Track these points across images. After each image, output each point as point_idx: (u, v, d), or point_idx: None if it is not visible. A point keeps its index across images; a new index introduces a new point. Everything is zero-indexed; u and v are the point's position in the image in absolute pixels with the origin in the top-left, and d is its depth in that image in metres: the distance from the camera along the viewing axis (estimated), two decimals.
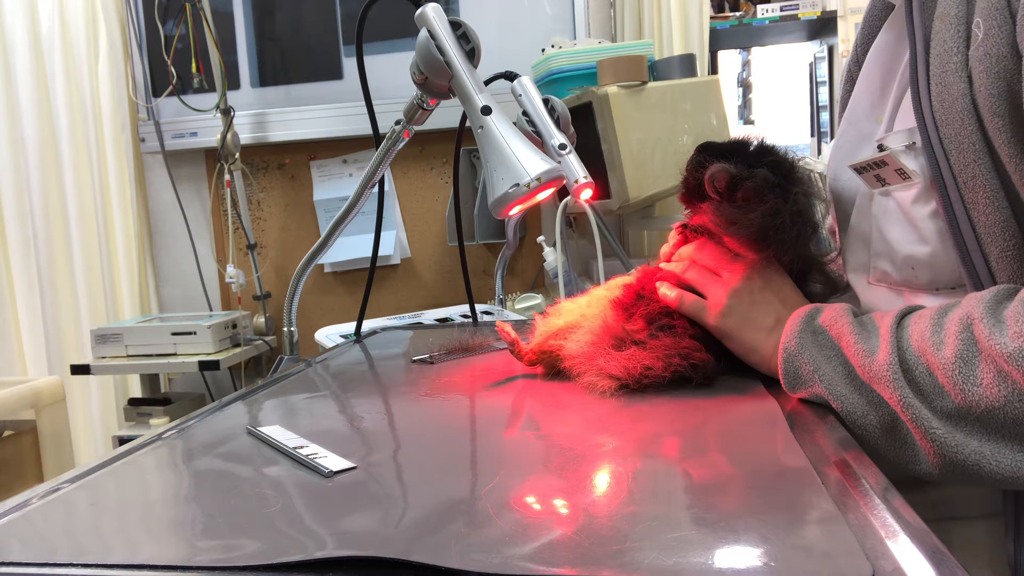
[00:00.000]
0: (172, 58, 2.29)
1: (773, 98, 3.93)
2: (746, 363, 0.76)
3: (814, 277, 0.81)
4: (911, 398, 0.60)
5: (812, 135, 3.23)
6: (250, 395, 0.84)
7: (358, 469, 0.56)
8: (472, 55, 0.83)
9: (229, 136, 2.21)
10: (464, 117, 0.93)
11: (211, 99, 2.26)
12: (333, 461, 0.57)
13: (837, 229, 0.86)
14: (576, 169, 1.06)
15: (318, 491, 0.52)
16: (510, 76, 1.13)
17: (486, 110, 0.80)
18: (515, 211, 0.79)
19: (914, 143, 0.69)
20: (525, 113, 1.11)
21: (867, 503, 0.46)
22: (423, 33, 0.83)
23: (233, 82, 2.30)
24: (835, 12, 2.53)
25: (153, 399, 2.22)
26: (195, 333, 2.08)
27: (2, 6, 2.29)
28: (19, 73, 2.30)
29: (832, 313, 0.68)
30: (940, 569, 0.38)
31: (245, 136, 2.27)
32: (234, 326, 2.21)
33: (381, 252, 1.64)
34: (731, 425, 0.64)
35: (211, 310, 2.42)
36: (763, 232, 0.73)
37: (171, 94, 2.31)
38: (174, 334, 2.09)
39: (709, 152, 0.79)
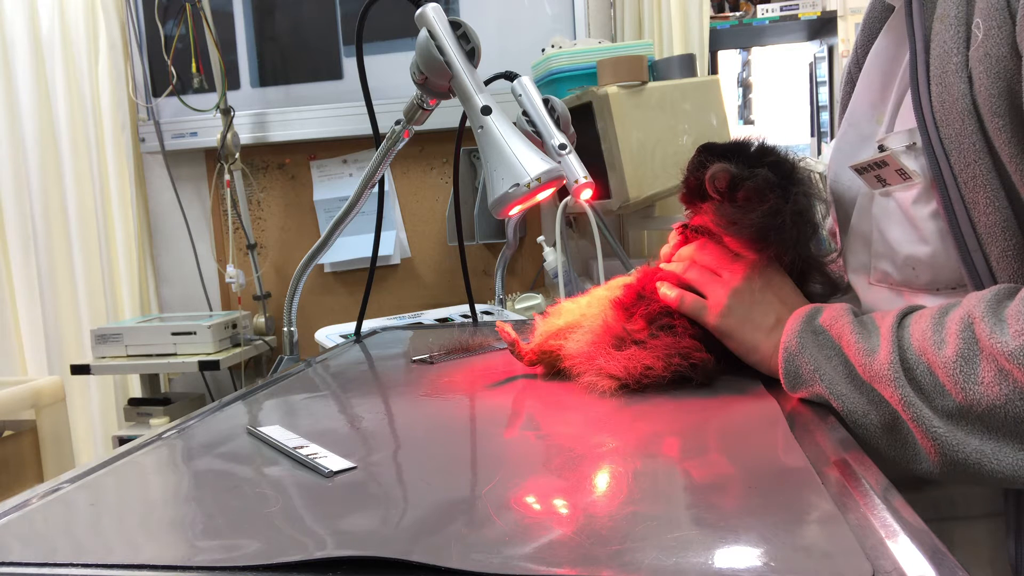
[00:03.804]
0: (172, 58, 2.29)
1: (773, 98, 3.93)
2: (746, 363, 0.76)
3: (814, 277, 0.81)
4: (912, 397, 0.60)
5: (812, 135, 3.23)
6: (250, 395, 0.84)
7: (358, 469, 0.56)
8: (472, 55, 0.83)
9: (229, 136, 2.21)
10: (464, 117, 0.93)
11: (211, 99, 2.26)
12: (333, 461, 0.57)
13: (837, 230, 0.86)
14: (576, 169, 1.06)
15: (318, 491, 0.52)
16: (510, 76, 1.13)
17: (486, 110, 0.80)
18: (515, 211, 0.79)
19: (914, 143, 0.69)
20: (525, 113, 1.11)
21: (867, 503, 0.46)
22: (423, 33, 0.83)
23: (233, 82, 2.30)
24: (835, 12, 2.53)
25: (153, 399, 2.22)
26: (195, 333, 2.08)
27: (2, 6, 2.29)
28: (19, 73, 2.30)
29: (832, 313, 0.68)
30: (940, 569, 0.38)
31: (245, 136, 2.27)
32: (234, 326, 2.21)
33: (381, 252, 1.63)
34: (731, 425, 0.64)
35: (211, 310, 2.42)
36: (763, 232, 0.73)
37: (171, 94, 2.31)
38: (174, 334, 2.09)
39: (710, 152, 0.79)
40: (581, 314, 0.82)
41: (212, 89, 2.27)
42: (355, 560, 0.41)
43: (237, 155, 2.24)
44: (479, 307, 1.54)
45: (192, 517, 0.49)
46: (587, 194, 1.07)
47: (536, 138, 1.09)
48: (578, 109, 1.57)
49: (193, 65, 2.27)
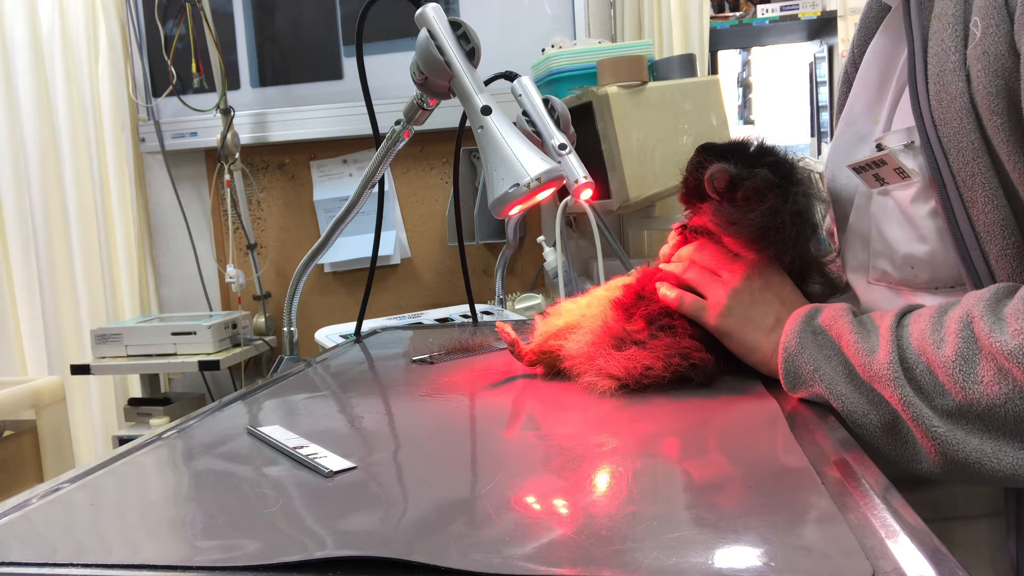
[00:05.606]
0: (172, 58, 2.29)
1: (773, 98, 3.92)
2: (746, 363, 0.76)
3: (814, 277, 0.81)
4: (912, 397, 0.60)
5: (812, 135, 3.23)
6: (250, 395, 0.84)
7: (358, 469, 0.56)
8: (472, 55, 0.83)
9: (229, 136, 2.21)
10: (464, 117, 0.93)
11: (211, 99, 2.26)
12: (333, 461, 0.57)
13: (835, 230, 0.86)
14: (576, 169, 1.06)
15: (318, 491, 0.52)
16: (510, 76, 1.13)
17: (486, 110, 0.80)
18: (515, 211, 0.79)
19: (912, 142, 0.69)
20: (525, 113, 1.11)
21: (867, 503, 0.46)
22: (423, 33, 0.83)
23: (233, 82, 2.30)
24: (835, 12, 2.53)
25: (153, 399, 2.22)
26: (195, 333, 2.08)
27: (2, 6, 2.29)
28: (19, 73, 2.30)
29: (832, 313, 0.68)
30: (940, 569, 0.38)
31: (245, 136, 2.27)
32: (234, 326, 2.21)
33: (381, 252, 1.63)
34: (731, 425, 0.64)
35: (211, 310, 2.42)
36: (763, 232, 0.73)
37: (171, 94, 2.31)
38: (174, 334, 2.09)
39: (709, 152, 0.79)
40: (581, 314, 0.82)
41: (212, 89, 2.27)
42: (355, 560, 0.41)
43: (237, 155, 2.24)
44: (479, 307, 1.54)
45: (192, 517, 0.49)
46: (587, 194, 1.07)
47: (536, 138, 1.09)
48: (578, 109, 1.57)
49: (193, 65, 2.27)
